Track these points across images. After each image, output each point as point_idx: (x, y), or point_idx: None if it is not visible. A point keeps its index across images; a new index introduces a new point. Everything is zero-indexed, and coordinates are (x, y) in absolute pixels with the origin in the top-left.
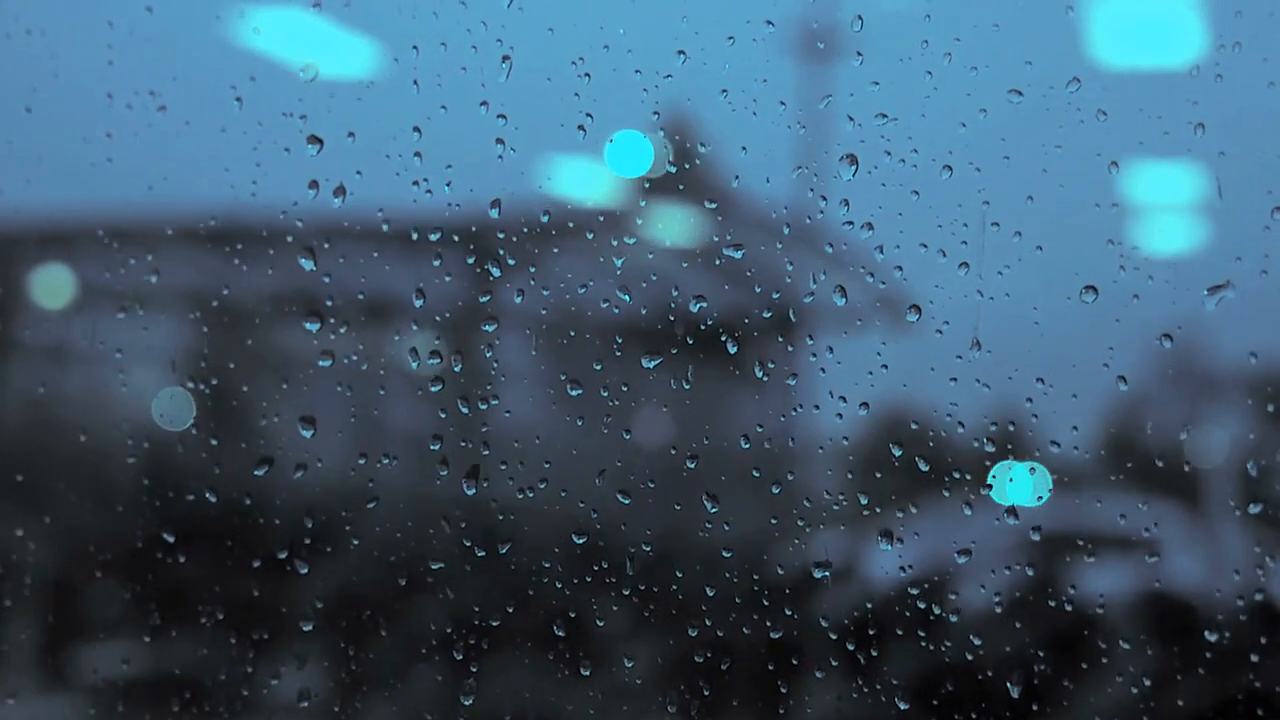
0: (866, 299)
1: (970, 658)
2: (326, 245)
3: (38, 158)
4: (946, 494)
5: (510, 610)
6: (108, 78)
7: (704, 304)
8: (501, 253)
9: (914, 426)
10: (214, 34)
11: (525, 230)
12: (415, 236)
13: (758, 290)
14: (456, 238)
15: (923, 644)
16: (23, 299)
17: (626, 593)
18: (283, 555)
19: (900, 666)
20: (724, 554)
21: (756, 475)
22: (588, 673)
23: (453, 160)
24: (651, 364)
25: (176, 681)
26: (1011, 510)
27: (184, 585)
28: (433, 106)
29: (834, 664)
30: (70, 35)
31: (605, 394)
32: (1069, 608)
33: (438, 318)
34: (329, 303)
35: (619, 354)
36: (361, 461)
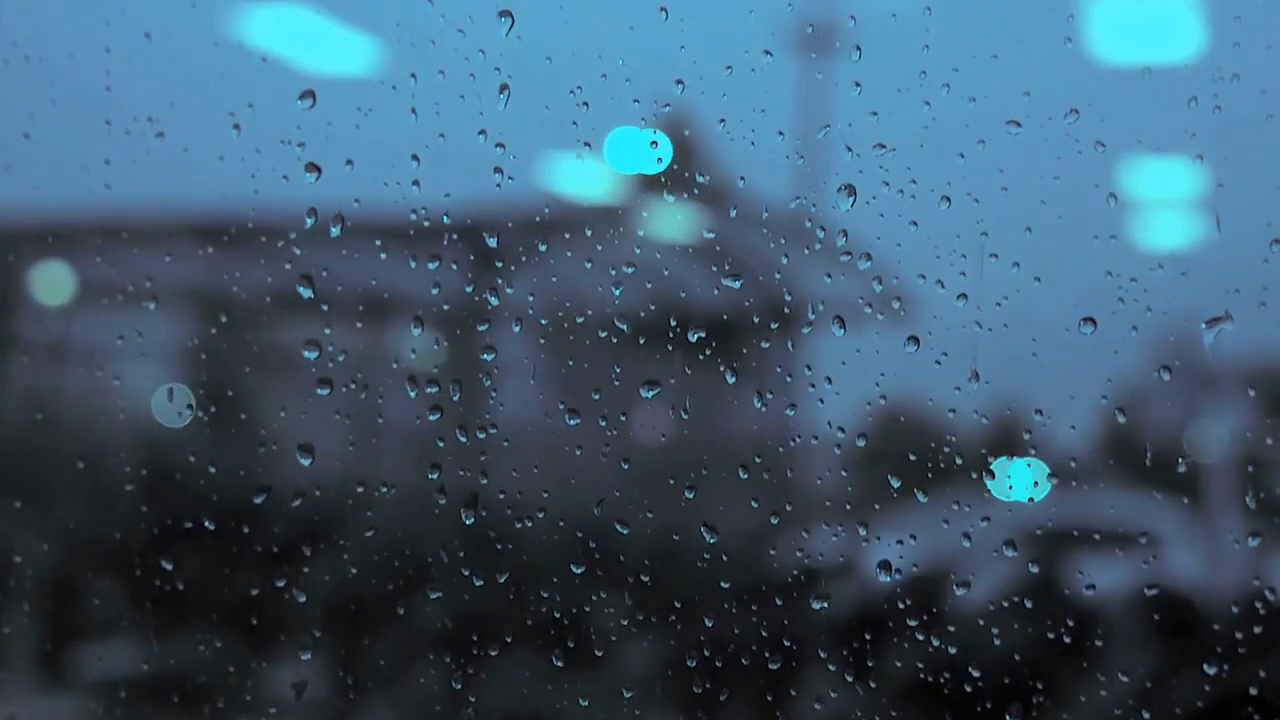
0: (865, 329)
1: (969, 655)
2: (325, 273)
3: (36, 184)
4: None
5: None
6: (106, 104)
7: (701, 333)
8: (500, 281)
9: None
10: (212, 61)
11: (522, 255)
12: (413, 264)
13: (756, 321)
14: (455, 265)
15: (921, 642)
16: (21, 298)
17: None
18: (280, 583)
19: (899, 665)
20: (722, 557)
21: (756, 491)
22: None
23: (451, 189)
24: (650, 394)
25: (172, 684)
26: (1009, 506)
27: (181, 587)
28: (431, 135)
29: (834, 663)
30: (69, 61)
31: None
32: (1068, 604)
33: (435, 346)
34: (326, 330)
35: (619, 383)
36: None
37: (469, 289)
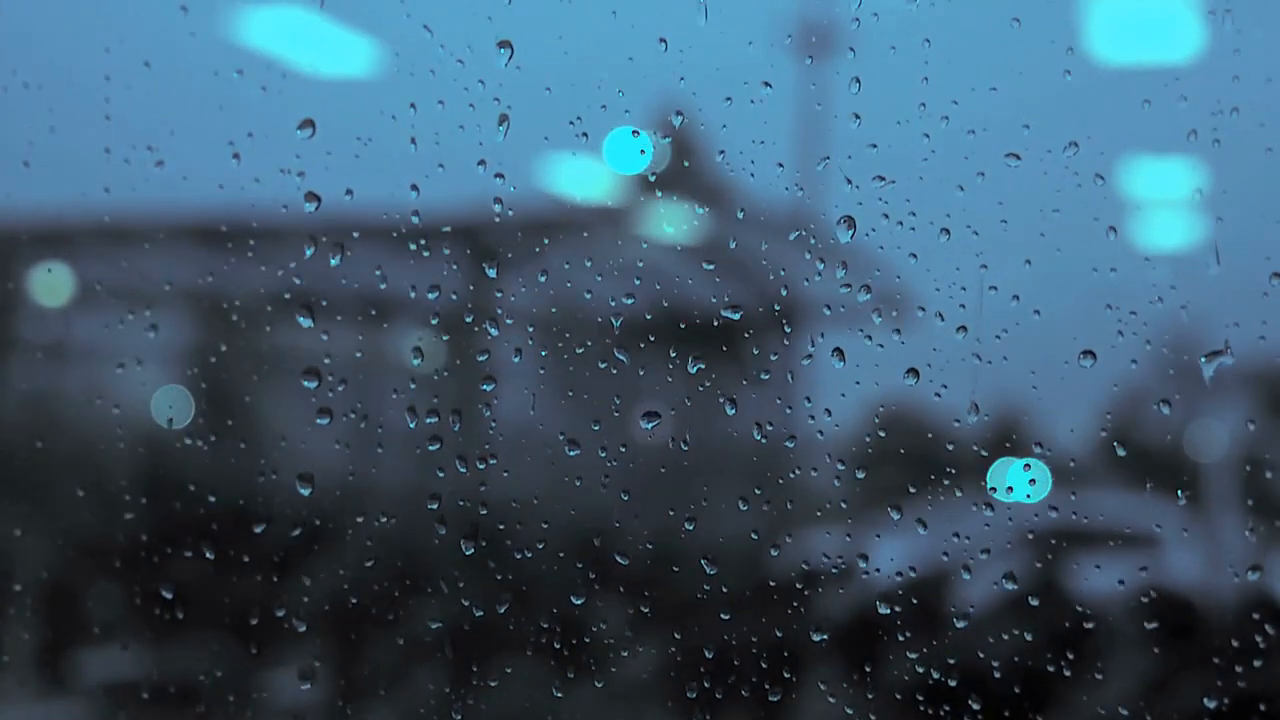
0: (865, 360)
1: (969, 656)
2: (325, 303)
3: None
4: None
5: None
6: (106, 132)
7: (701, 364)
8: (500, 311)
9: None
10: (211, 89)
11: (516, 305)
12: (413, 294)
13: (755, 353)
14: (455, 295)
15: (922, 643)
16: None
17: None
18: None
19: (900, 666)
20: (723, 569)
21: (756, 532)
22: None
23: (449, 220)
24: (649, 425)
25: (170, 690)
26: (1009, 507)
27: (180, 593)
28: (430, 165)
29: (834, 664)
30: (68, 90)
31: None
32: (1067, 605)
33: (435, 376)
34: (326, 360)
35: (618, 413)
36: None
37: (469, 319)
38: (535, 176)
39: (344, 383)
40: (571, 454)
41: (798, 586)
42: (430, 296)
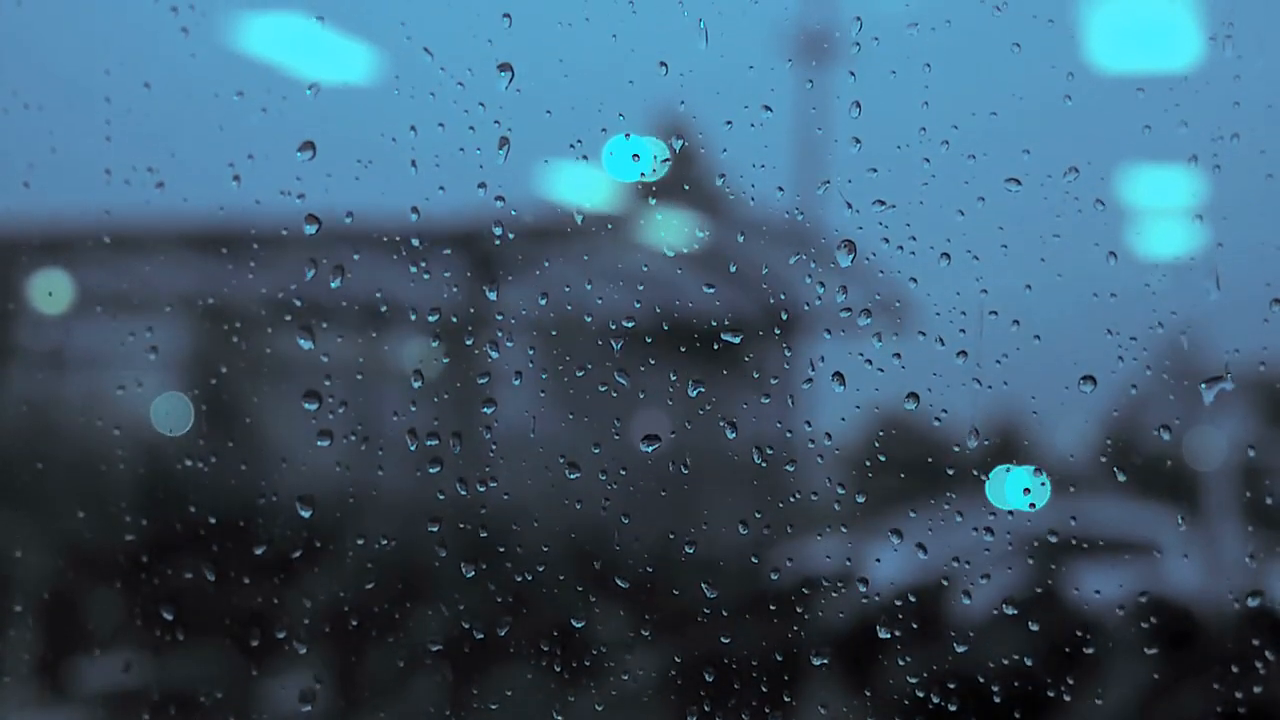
0: (865, 385)
1: (969, 663)
2: (325, 326)
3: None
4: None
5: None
6: (106, 153)
7: (701, 389)
8: (500, 334)
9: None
10: (211, 111)
11: (523, 309)
12: (414, 317)
13: (756, 376)
14: (455, 318)
15: (921, 649)
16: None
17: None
18: (282, 636)
19: (900, 672)
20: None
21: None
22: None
23: (449, 241)
24: (650, 448)
25: (169, 697)
26: (1009, 514)
27: (179, 600)
28: (430, 187)
29: (834, 670)
30: (68, 111)
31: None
32: (1068, 612)
33: (435, 399)
34: (327, 381)
35: (618, 436)
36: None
37: (469, 342)
38: (536, 196)
39: (344, 404)
40: (572, 477)
41: (798, 610)
42: (431, 319)
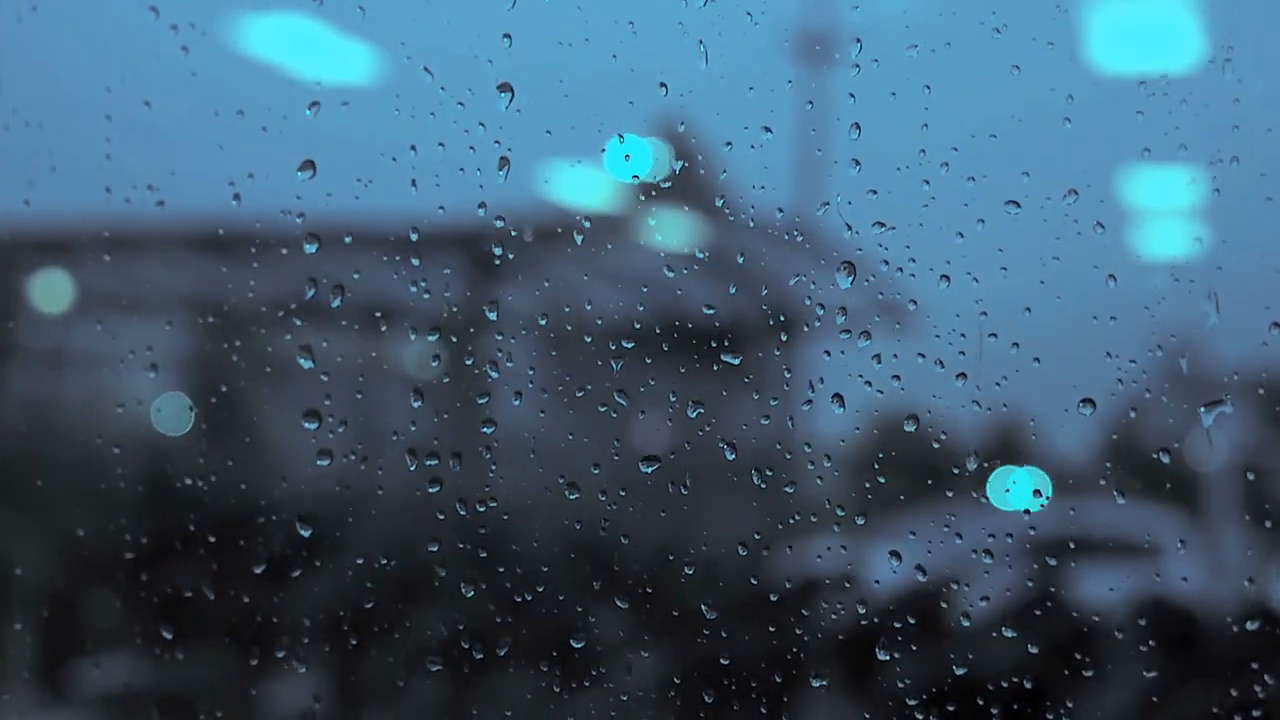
0: (865, 406)
1: (969, 665)
2: (325, 344)
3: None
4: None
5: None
6: (106, 171)
7: (701, 409)
8: (500, 355)
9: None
10: (210, 129)
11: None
12: (414, 336)
13: (756, 397)
14: (455, 337)
15: (922, 651)
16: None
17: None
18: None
19: (900, 674)
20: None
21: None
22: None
23: (449, 263)
24: (650, 469)
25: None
26: (1010, 515)
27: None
28: (430, 206)
29: (834, 672)
30: (68, 129)
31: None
32: (1068, 614)
33: (435, 419)
34: (326, 400)
35: (618, 460)
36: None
37: (469, 360)
38: (535, 213)
39: (344, 424)
40: (572, 497)
41: (797, 631)
42: (430, 338)
